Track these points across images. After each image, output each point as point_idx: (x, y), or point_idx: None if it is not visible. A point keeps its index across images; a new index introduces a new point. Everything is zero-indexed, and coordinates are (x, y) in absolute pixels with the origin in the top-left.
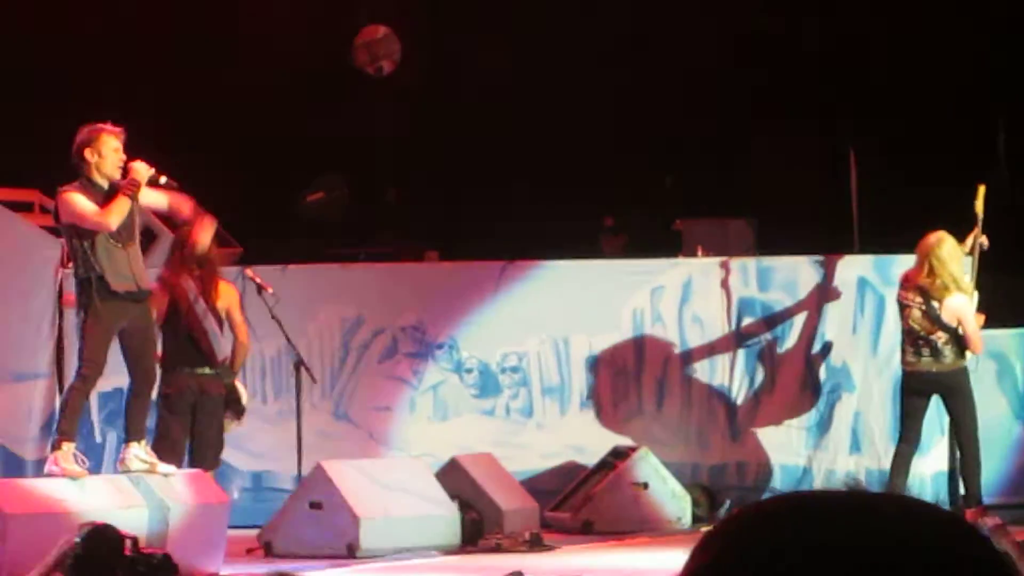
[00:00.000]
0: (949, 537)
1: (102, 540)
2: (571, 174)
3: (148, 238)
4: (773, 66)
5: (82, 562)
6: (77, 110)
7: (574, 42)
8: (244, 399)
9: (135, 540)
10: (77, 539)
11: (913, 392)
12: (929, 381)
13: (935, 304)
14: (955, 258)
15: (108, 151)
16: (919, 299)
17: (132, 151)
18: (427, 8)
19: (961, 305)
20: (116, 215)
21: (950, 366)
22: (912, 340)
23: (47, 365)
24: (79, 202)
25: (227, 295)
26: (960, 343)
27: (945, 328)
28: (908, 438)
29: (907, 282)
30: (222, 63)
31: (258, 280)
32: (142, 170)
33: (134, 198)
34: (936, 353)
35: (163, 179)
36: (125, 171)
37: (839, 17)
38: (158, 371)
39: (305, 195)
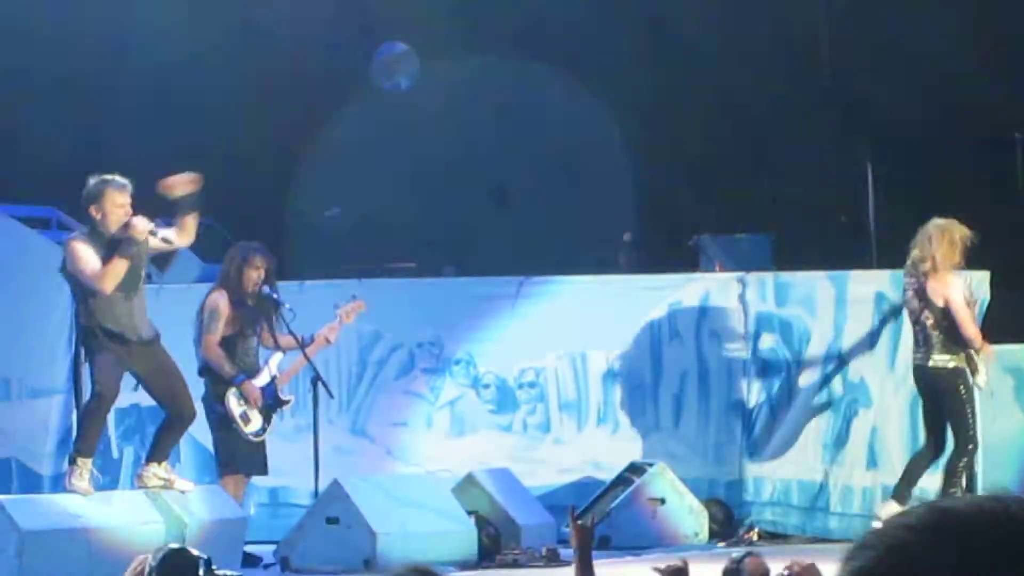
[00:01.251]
0: None
1: (177, 562)
2: (589, 189)
3: (167, 255)
4: (791, 80)
5: None
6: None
7: (590, 56)
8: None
9: (208, 561)
10: (152, 563)
11: (919, 391)
12: (918, 376)
13: (918, 281)
14: (952, 244)
15: (112, 207)
16: (912, 279)
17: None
18: (444, 26)
19: (946, 284)
20: (112, 280)
21: (936, 362)
22: (913, 330)
23: (63, 381)
24: (82, 258)
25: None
26: (953, 336)
27: (931, 308)
28: (926, 442)
29: (907, 267)
30: (237, 77)
31: (276, 295)
32: (141, 227)
33: (131, 258)
34: (926, 342)
35: (160, 234)
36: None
37: (857, 28)
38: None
39: (322, 210)
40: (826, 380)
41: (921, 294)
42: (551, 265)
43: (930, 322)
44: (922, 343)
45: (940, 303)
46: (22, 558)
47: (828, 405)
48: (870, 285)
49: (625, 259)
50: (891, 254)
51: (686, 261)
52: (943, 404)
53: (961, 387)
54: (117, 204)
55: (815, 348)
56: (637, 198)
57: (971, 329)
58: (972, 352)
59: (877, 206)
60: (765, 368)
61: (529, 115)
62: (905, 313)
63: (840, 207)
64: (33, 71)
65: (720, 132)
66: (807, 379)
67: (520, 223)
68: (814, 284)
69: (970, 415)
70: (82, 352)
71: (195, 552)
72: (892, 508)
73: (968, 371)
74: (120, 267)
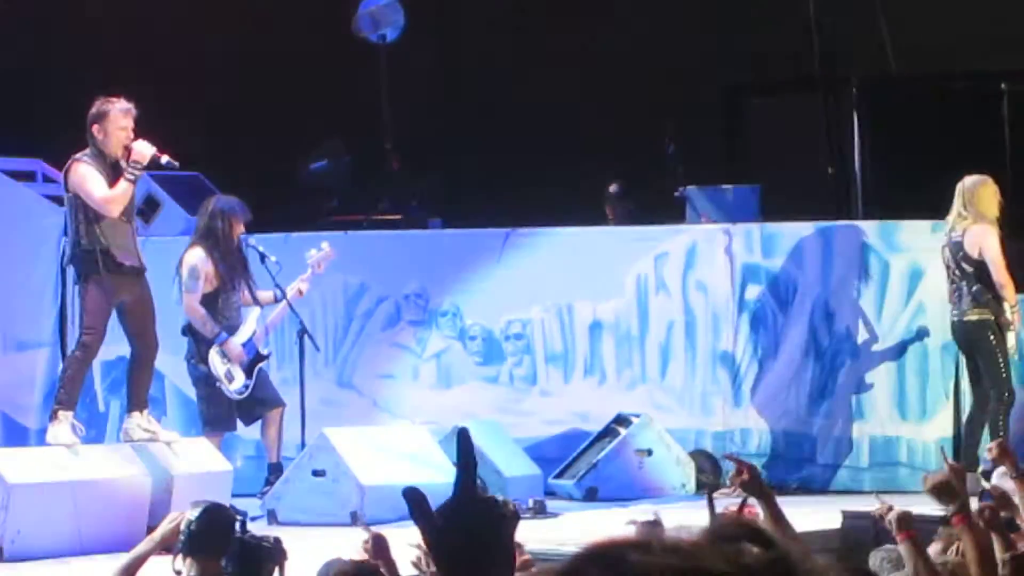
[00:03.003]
0: None
1: (217, 519)
2: (574, 140)
3: (152, 207)
4: (773, 30)
5: (197, 539)
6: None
7: (576, 7)
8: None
9: (244, 522)
10: (192, 516)
11: (958, 346)
12: (955, 331)
13: (958, 233)
14: (990, 196)
15: (114, 129)
16: (947, 235)
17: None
18: None
19: (984, 232)
20: (119, 203)
21: (970, 316)
22: (948, 288)
23: (50, 334)
24: (89, 179)
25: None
26: (985, 289)
27: (967, 259)
28: (973, 399)
29: (945, 228)
30: (221, 28)
31: (261, 248)
32: (145, 151)
33: (135, 181)
34: (958, 295)
35: (164, 159)
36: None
37: None
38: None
39: (307, 162)
40: (812, 331)
41: (957, 248)
42: (538, 217)
43: (967, 274)
44: (957, 299)
45: (975, 253)
46: (8, 511)
47: (815, 356)
48: (856, 235)
49: (612, 211)
50: (877, 205)
51: (672, 212)
52: (978, 357)
53: (991, 337)
54: (119, 126)
55: (801, 299)
56: (623, 149)
57: (1004, 275)
58: (1006, 307)
59: (863, 157)
60: (752, 319)
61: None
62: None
63: (827, 158)
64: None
65: (704, 82)
66: (793, 330)
67: (507, 174)
68: (800, 235)
69: (1001, 364)
70: (73, 292)
71: (232, 511)
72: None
73: (998, 324)
74: (127, 191)
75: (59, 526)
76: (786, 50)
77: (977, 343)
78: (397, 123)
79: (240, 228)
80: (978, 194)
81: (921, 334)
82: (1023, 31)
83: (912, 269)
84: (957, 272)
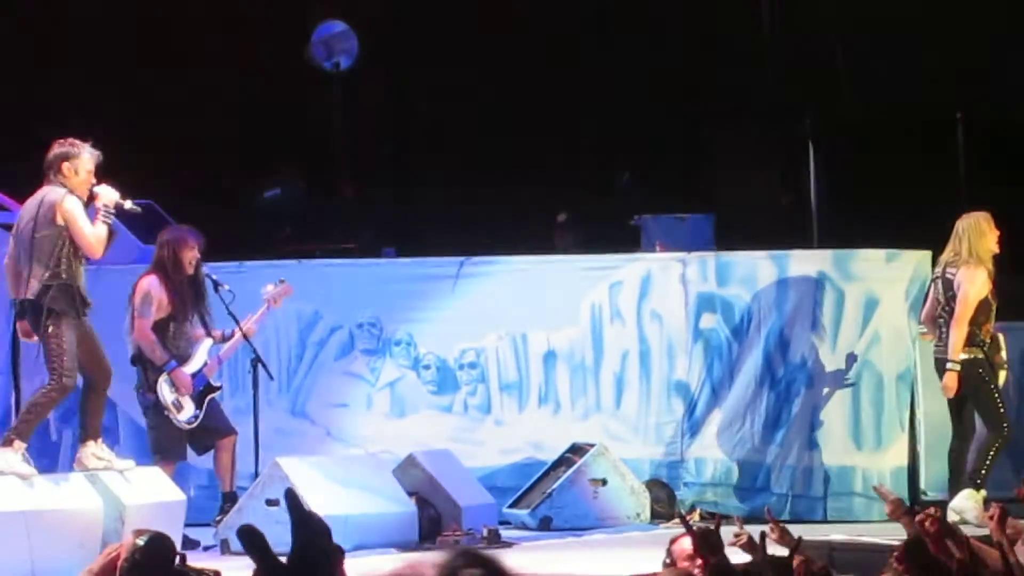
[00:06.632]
0: None
1: (160, 549)
2: (529, 170)
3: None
4: (733, 62)
5: (138, 570)
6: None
7: (531, 38)
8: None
9: (184, 557)
10: (140, 542)
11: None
12: (938, 368)
13: (950, 272)
14: (980, 234)
15: (84, 171)
16: (938, 271)
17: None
18: (383, 5)
19: (970, 275)
20: (104, 246)
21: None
22: (936, 323)
23: (2, 363)
24: (80, 219)
25: None
26: (978, 325)
27: (953, 300)
28: (953, 432)
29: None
30: (179, 61)
31: (214, 277)
32: (109, 195)
33: (111, 226)
34: (944, 335)
35: (128, 203)
36: (91, 195)
37: (798, 9)
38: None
39: (262, 191)
40: (767, 360)
41: (948, 286)
42: (492, 246)
43: (950, 313)
44: (942, 336)
45: (960, 294)
46: None
47: (769, 385)
48: (812, 265)
49: (561, 239)
50: (833, 234)
51: (627, 241)
52: (966, 395)
53: (979, 374)
54: (87, 170)
55: (756, 328)
56: (579, 179)
57: (963, 322)
58: (986, 348)
59: (819, 187)
60: (706, 348)
61: None
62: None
63: (782, 188)
64: None
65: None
66: (748, 359)
67: (460, 203)
68: (755, 264)
69: (997, 399)
70: (43, 319)
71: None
72: (960, 502)
73: (990, 363)
74: (107, 235)
75: (11, 556)
76: (743, 80)
77: (967, 381)
78: (350, 151)
79: (190, 255)
80: (971, 233)
81: (876, 364)
82: (977, 62)
83: (867, 298)
84: (946, 309)
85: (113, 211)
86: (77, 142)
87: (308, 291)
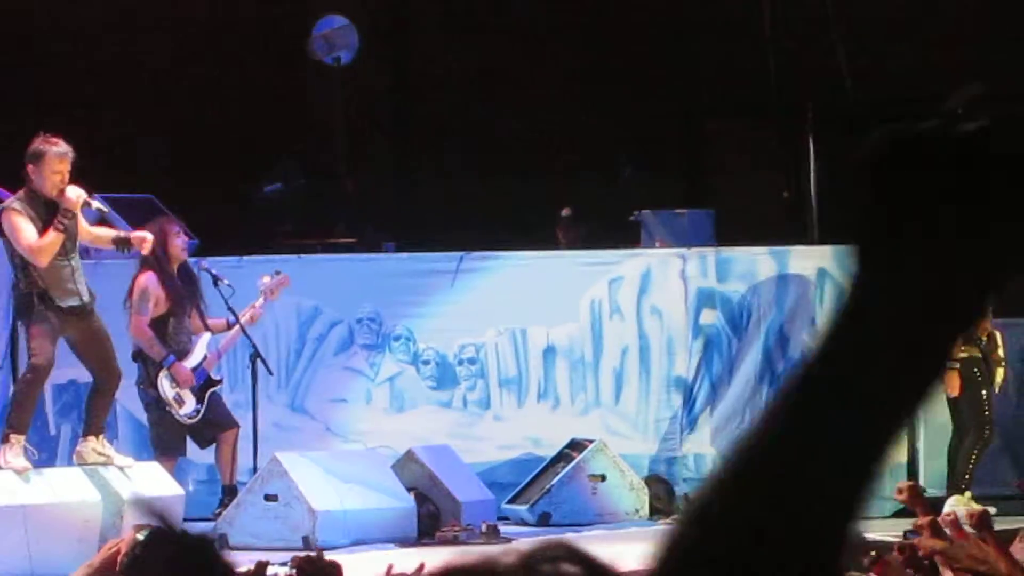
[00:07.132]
0: None
1: (161, 545)
2: (529, 165)
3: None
4: (732, 55)
5: (140, 564)
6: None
7: (533, 30)
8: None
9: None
10: (140, 537)
11: None
12: None
13: None
14: None
15: (49, 173)
16: None
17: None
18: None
19: None
20: (48, 253)
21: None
22: None
23: (1, 357)
24: (18, 228)
25: None
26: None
27: None
28: (952, 431)
29: None
30: (176, 52)
31: (214, 271)
32: (74, 198)
33: (66, 230)
34: None
35: (95, 204)
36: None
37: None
38: (122, 371)
39: (262, 185)
40: (767, 356)
41: None
42: (492, 241)
43: None
44: None
45: None
46: None
47: (769, 381)
48: (812, 261)
49: (564, 235)
50: (833, 230)
51: (627, 236)
52: (962, 393)
53: (973, 374)
54: (54, 170)
55: (756, 324)
56: (579, 173)
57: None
58: (983, 345)
59: (819, 182)
60: (706, 344)
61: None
62: None
63: (783, 183)
64: None
65: (661, 106)
66: (748, 355)
67: (461, 198)
68: (755, 260)
69: (984, 401)
70: (19, 325)
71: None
72: (954, 501)
73: (987, 361)
74: (56, 241)
75: (10, 550)
76: (743, 75)
77: (962, 379)
78: (351, 146)
79: (177, 241)
80: None
81: None
82: (979, 56)
83: None
84: None
85: (73, 214)
86: (50, 140)
87: (308, 286)
